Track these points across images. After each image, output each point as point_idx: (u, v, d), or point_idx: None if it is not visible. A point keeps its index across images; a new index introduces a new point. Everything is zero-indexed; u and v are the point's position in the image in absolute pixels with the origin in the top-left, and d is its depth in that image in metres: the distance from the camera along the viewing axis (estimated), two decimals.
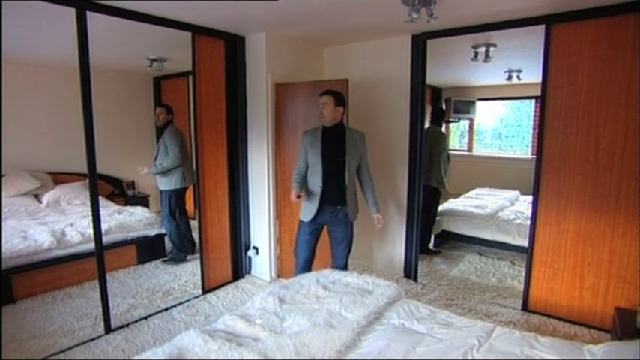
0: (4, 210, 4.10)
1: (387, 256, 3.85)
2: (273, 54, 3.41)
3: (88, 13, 2.51)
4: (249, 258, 3.78)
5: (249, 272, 3.81)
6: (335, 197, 2.80)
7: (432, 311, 2.22)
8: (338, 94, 2.75)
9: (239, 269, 3.72)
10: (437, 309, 2.26)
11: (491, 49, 3.50)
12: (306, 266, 2.95)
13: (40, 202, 4.40)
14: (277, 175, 3.58)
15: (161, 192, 4.03)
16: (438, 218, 4.47)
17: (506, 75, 4.68)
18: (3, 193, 4.27)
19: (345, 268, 2.94)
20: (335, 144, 2.77)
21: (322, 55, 3.98)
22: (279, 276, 3.72)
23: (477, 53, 3.62)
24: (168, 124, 4.00)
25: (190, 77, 5.14)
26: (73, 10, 2.47)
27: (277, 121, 3.52)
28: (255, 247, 3.73)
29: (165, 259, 4.05)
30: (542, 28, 2.79)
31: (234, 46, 3.44)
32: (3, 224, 3.72)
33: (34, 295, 3.29)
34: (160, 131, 4.05)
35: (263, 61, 3.38)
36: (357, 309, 2.13)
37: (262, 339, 1.88)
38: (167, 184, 3.91)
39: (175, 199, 3.99)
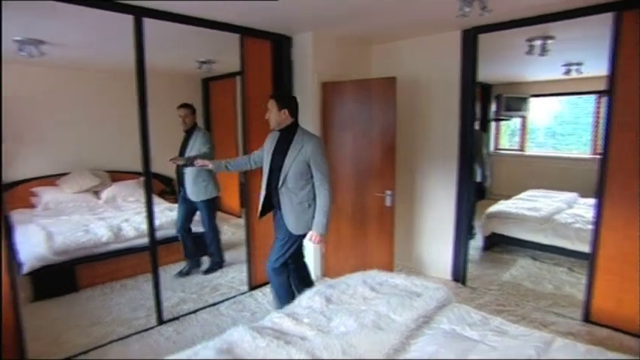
0: (69, 205, 4.40)
1: (432, 257, 3.74)
2: (319, 53, 3.42)
3: (144, 19, 2.63)
4: None
5: None
6: (273, 201, 2.71)
7: (485, 317, 2.12)
8: (280, 97, 2.61)
9: None
10: (489, 315, 2.15)
11: (549, 41, 3.30)
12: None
13: (99, 199, 4.67)
14: None
15: (198, 203, 3.73)
16: (487, 220, 4.30)
17: (564, 69, 4.41)
18: (67, 190, 4.58)
19: (270, 273, 2.75)
20: (280, 148, 2.63)
21: (369, 54, 3.94)
22: (324, 275, 3.71)
23: (532, 47, 3.43)
24: (194, 126, 3.77)
25: (237, 78, 5.30)
26: (131, 17, 2.59)
27: (323, 121, 3.52)
28: None
29: (206, 269, 3.89)
30: (609, 16, 2.58)
31: (280, 46, 3.47)
32: (68, 217, 3.99)
33: (95, 285, 3.50)
34: (186, 135, 3.72)
35: (309, 60, 3.39)
36: (405, 312, 2.07)
37: (310, 338, 1.87)
38: (204, 193, 3.67)
39: (214, 207, 3.87)
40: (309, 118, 3.48)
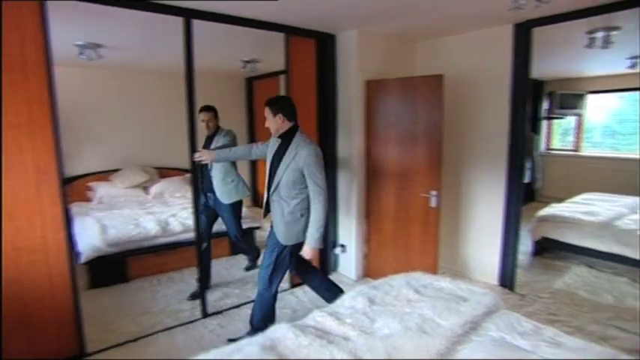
0: (121, 199, 4.62)
1: (478, 261, 3.59)
2: (363, 51, 3.38)
3: (193, 21, 2.70)
4: (336, 255, 3.79)
5: (336, 270, 3.82)
6: (267, 207, 2.62)
7: (537, 327, 2.00)
8: (272, 102, 2.49)
9: (326, 266, 3.75)
10: (542, 325, 2.03)
11: (613, 32, 3.06)
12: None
13: (148, 194, 4.87)
14: (367, 174, 3.54)
15: (227, 206, 3.44)
16: (538, 224, 4.08)
17: (630, 62, 4.09)
18: (119, 185, 4.81)
19: (261, 290, 2.61)
20: (278, 153, 2.54)
21: (414, 51, 3.85)
22: (365, 275, 3.68)
23: (592, 39, 3.20)
24: (218, 129, 3.47)
25: (281, 77, 5.36)
26: (180, 19, 2.68)
27: (367, 119, 3.48)
28: (342, 245, 3.73)
29: (246, 267, 3.85)
30: None
31: (324, 44, 3.46)
32: (120, 211, 4.20)
33: (144, 277, 3.66)
34: (209, 139, 3.44)
35: (354, 58, 3.36)
36: (451, 316, 2.00)
37: (352, 339, 1.85)
38: (235, 194, 3.42)
39: (240, 208, 3.60)
40: (352, 116, 3.46)
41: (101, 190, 4.65)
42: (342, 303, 2.22)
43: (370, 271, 3.67)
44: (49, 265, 2.35)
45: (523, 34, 3.05)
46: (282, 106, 2.49)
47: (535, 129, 5.81)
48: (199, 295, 3.08)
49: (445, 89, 3.09)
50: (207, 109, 3.38)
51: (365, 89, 3.44)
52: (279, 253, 2.55)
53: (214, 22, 2.79)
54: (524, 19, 2.99)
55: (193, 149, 2.91)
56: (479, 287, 2.33)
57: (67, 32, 2.29)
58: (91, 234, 3.51)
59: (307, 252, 2.52)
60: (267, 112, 2.49)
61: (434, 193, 3.14)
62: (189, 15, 2.67)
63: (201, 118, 3.31)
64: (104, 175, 4.58)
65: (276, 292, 2.65)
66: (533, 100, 5.43)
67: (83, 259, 3.38)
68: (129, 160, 4.93)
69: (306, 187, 2.46)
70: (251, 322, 2.65)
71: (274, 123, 2.49)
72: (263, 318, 2.59)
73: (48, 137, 2.27)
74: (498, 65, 3.23)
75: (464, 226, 3.67)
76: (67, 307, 2.45)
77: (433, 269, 3.19)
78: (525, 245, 4.15)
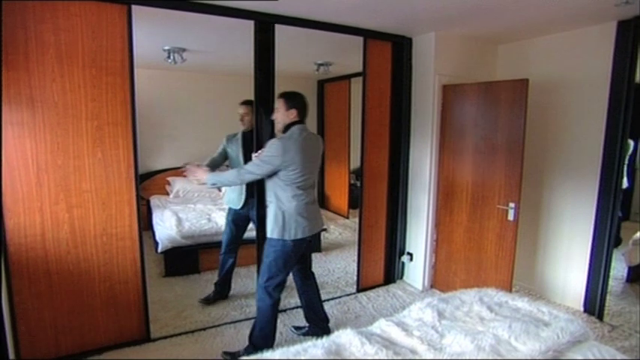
0: (195, 194, 4.89)
1: (560, 282, 3.29)
2: (441, 54, 3.26)
3: (276, 26, 2.79)
4: (403, 263, 3.70)
5: (401, 278, 3.72)
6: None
7: None
8: (291, 97, 2.43)
9: (391, 273, 3.67)
10: None
11: None
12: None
13: (220, 190, 5.10)
14: (440, 181, 3.41)
15: (240, 213, 3.27)
16: (634, 247, 3.64)
17: None
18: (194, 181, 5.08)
19: (261, 295, 2.46)
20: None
21: (495, 54, 3.63)
22: (432, 286, 3.54)
23: None
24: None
25: (352, 80, 5.36)
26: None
27: (442, 125, 3.35)
28: (409, 253, 3.62)
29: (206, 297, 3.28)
30: None
31: (400, 47, 3.40)
32: (194, 206, 4.44)
33: (213, 270, 3.80)
34: (246, 137, 3.21)
35: (431, 62, 3.25)
36: (530, 341, 1.84)
37: (420, 353, 1.77)
38: (237, 199, 3.24)
39: None
40: (427, 122, 3.35)
41: (177, 184, 4.95)
42: (409, 314, 2.14)
43: (437, 282, 3.52)
44: (134, 251, 2.55)
45: (630, 32, 2.73)
46: (299, 102, 2.45)
47: (637, 137, 5.19)
48: (212, 301, 3.19)
49: (529, 95, 2.88)
50: (247, 102, 3.17)
51: (441, 94, 3.31)
52: (268, 250, 2.44)
53: (295, 27, 2.86)
54: (632, 15, 2.68)
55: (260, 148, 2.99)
56: (563, 312, 2.12)
57: (157, 38, 2.46)
58: (168, 226, 3.75)
59: (192, 171, 2.56)
60: (281, 104, 2.42)
61: (512, 205, 2.93)
62: (273, 21, 2.76)
63: (238, 111, 3.22)
64: (181, 171, 4.87)
65: (276, 303, 2.47)
66: (635, 106, 4.86)
67: (161, 248, 3.62)
68: (205, 158, 5.20)
69: (271, 176, 2.38)
70: (250, 337, 2.52)
71: (285, 117, 2.42)
72: (261, 332, 2.47)
73: (129, 134, 2.47)
74: (594, 68, 2.94)
75: (544, 242, 3.38)
76: (136, 292, 2.63)
77: (507, 286, 2.98)
78: (618, 270, 3.73)
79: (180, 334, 2.75)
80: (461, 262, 3.35)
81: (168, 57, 3.74)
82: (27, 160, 2.20)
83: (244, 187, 3.13)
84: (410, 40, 3.40)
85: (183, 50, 3.72)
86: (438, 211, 3.46)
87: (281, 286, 2.48)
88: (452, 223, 3.38)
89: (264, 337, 2.48)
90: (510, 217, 2.95)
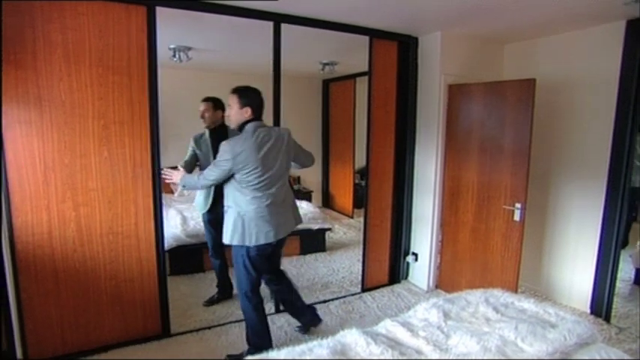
0: (199, 193, 4.89)
1: (566, 283, 3.26)
2: (447, 54, 3.24)
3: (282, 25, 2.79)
4: (407, 264, 3.69)
5: (406, 278, 3.71)
6: None
7: None
8: (244, 94, 2.28)
9: (396, 273, 3.67)
10: None
11: None
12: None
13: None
14: (445, 181, 3.40)
15: (209, 216, 3.20)
16: None
17: None
18: None
19: (241, 300, 2.43)
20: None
21: (501, 54, 3.61)
22: (437, 286, 3.53)
23: None
24: (221, 125, 3.05)
25: (357, 80, 5.35)
26: (269, 24, 2.77)
27: (448, 125, 3.34)
28: (414, 254, 3.61)
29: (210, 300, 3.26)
30: None
31: (406, 47, 3.38)
32: None
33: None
34: (212, 135, 3.08)
35: (437, 61, 3.24)
36: (536, 342, 1.82)
37: (426, 353, 1.76)
38: (204, 203, 3.18)
39: None
40: (433, 122, 3.34)
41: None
42: (414, 314, 2.14)
43: (442, 282, 3.51)
44: (139, 250, 2.56)
45: (638, 32, 2.70)
46: (254, 100, 2.29)
47: None
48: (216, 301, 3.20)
49: (536, 95, 2.86)
50: (206, 99, 3.08)
51: (447, 94, 3.30)
52: (233, 262, 2.38)
53: (301, 26, 2.86)
54: None
55: None
56: (570, 314, 2.10)
57: (163, 36, 2.47)
58: (173, 224, 3.76)
59: (169, 174, 2.43)
60: (234, 101, 2.27)
61: (518, 205, 2.92)
62: (279, 20, 2.76)
63: (199, 109, 3.07)
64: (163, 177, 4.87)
65: (258, 304, 2.42)
66: None
67: (165, 246, 3.62)
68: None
69: (230, 179, 2.27)
70: (247, 341, 2.51)
71: (239, 115, 2.27)
72: (254, 334, 2.45)
73: (145, 134, 2.48)
74: (603, 67, 2.91)
75: (550, 243, 3.36)
76: (153, 290, 2.65)
77: (513, 287, 2.97)
78: (626, 272, 3.70)
79: (185, 333, 2.77)
80: (466, 262, 3.34)
81: (174, 55, 3.75)
82: (34, 159, 2.22)
83: (212, 190, 3.01)
84: (416, 39, 3.39)
85: (189, 49, 3.73)
86: (444, 211, 3.45)
87: (256, 288, 2.41)
88: (457, 223, 3.36)
89: (259, 336, 2.44)
90: (516, 217, 2.93)
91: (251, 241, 2.27)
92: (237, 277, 2.40)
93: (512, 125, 2.94)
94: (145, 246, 2.58)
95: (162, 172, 2.51)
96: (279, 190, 2.36)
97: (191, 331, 2.79)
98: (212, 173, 2.24)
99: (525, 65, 3.43)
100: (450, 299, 2.26)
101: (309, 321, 2.78)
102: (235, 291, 3.31)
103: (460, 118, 3.27)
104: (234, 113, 2.29)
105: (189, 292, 3.38)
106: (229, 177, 2.26)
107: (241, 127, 2.29)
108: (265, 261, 2.44)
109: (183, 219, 3.87)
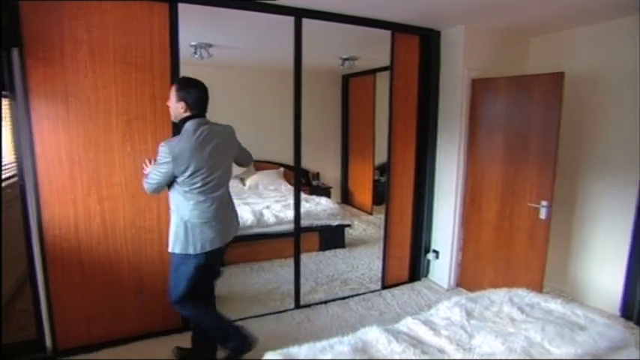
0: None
1: (594, 284, 3.16)
2: (470, 47, 3.17)
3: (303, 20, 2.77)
4: (428, 261, 3.64)
5: (426, 276, 3.67)
6: None
7: None
8: (182, 87, 2.05)
9: (416, 271, 3.63)
10: None
11: None
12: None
13: (244, 185, 5.16)
14: (468, 179, 3.33)
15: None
16: None
17: None
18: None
19: (182, 312, 2.27)
20: None
21: (526, 47, 3.51)
22: (458, 285, 3.47)
23: None
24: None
25: (377, 75, 5.29)
26: (290, 19, 2.75)
27: (471, 120, 3.26)
28: (435, 251, 3.56)
29: None
30: None
31: (428, 41, 3.32)
32: None
33: (237, 264, 3.87)
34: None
35: (460, 55, 3.17)
36: (565, 345, 1.76)
37: (449, 353, 1.73)
38: None
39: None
40: (455, 117, 3.27)
41: None
42: (436, 312, 2.11)
43: (464, 281, 3.45)
44: (161, 244, 2.59)
45: None
46: (191, 96, 2.04)
47: None
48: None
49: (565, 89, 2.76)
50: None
51: (470, 88, 3.22)
52: (172, 270, 2.19)
53: (322, 21, 2.83)
54: None
55: (298, 145, 2.97)
56: (600, 316, 2.03)
57: (184, 33, 2.49)
58: None
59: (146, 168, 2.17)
60: (172, 93, 2.06)
61: (545, 203, 2.83)
62: (300, 14, 2.75)
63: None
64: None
65: (206, 312, 2.27)
66: None
67: None
68: None
69: (173, 183, 2.08)
70: (219, 344, 2.35)
71: (175, 109, 2.07)
72: (216, 329, 2.27)
73: (167, 130, 2.50)
74: (635, 59, 2.79)
75: (577, 242, 3.26)
76: None
77: (537, 287, 2.89)
78: None
79: None
80: (489, 260, 3.27)
81: (195, 53, 3.78)
82: (61, 154, 2.27)
83: None
84: (438, 33, 3.32)
85: (210, 46, 3.75)
86: (466, 208, 3.38)
87: (196, 298, 2.20)
88: (480, 220, 3.29)
89: (221, 329, 2.26)
90: (542, 215, 2.85)
91: (195, 249, 2.08)
92: (174, 288, 2.17)
93: (539, 120, 2.85)
94: (166, 240, 2.59)
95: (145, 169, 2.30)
96: (225, 192, 2.20)
97: None
98: (154, 177, 2.04)
99: (552, 58, 3.32)
100: (473, 298, 2.22)
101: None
102: (256, 286, 3.35)
103: (484, 113, 3.19)
104: (172, 106, 2.08)
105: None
106: (172, 180, 2.06)
107: (182, 124, 2.08)
108: (212, 269, 2.28)
109: None
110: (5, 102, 2.29)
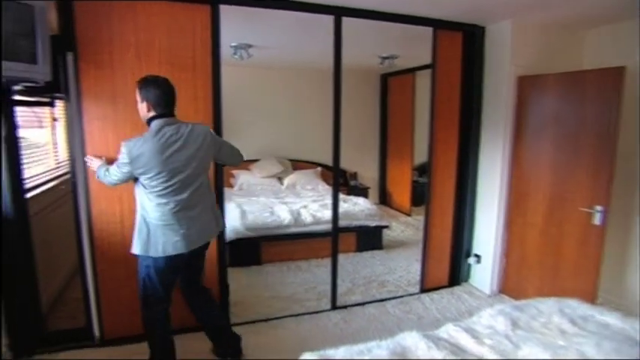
0: (258, 187, 5.02)
1: None
2: (517, 43, 3.03)
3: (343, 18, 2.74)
4: (469, 265, 3.51)
5: (467, 280, 3.54)
6: None
7: None
8: (143, 86, 1.99)
9: (457, 275, 3.51)
10: None
11: None
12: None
13: (282, 184, 5.21)
14: (512, 181, 3.19)
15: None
16: None
17: None
18: (257, 174, 5.22)
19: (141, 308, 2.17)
20: None
21: (580, 41, 3.30)
22: (501, 291, 3.32)
23: None
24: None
25: (417, 74, 5.19)
26: (330, 17, 2.73)
27: (517, 119, 3.11)
28: (476, 255, 3.43)
29: None
30: None
31: (472, 37, 3.20)
32: (257, 199, 4.55)
33: (274, 262, 3.91)
34: None
35: (506, 51, 3.03)
36: None
37: None
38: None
39: None
40: (500, 116, 3.13)
41: (242, 177, 5.13)
42: (478, 320, 2.01)
43: (507, 287, 3.30)
44: None
45: None
46: (152, 94, 1.97)
47: None
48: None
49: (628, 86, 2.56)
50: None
51: (517, 86, 3.07)
52: (140, 267, 2.11)
53: (362, 19, 2.79)
54: None
55: (337, 145, 2.95)
56: None
57: (224, 35, 2.53)
58: (233, 217, 3.87)
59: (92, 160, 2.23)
60: (137, 93, 2.02)
61: (599, 208, 2.65)
62: (340, 13, 2.72)
63: None
64: (245, 164, 5.00)
65: (159, 319, 2.17)
66: None
67: (225, 239, 3.75)
68: (267, 152, 5.34)
69: (136, 184, 2.05)
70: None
71: (140, 109, 2.03)
72: (152, 347, 2.21)
73: None
74: None
75: (635, 252, 3.02)
76: (214, 280, 2.74)
77: (590, 298, 2.70)
78: None
79: (241, 324, 2.78)
80: (534, 267, 3.11)
81: (235, 53, 3.85)
82: (109, 153, 2.36)
83: None
84: (483, 29, 3.19)
85: (250, 46, 3.81)
86: (510, 211, 3.23)
87: (159, 302, 2.14)
88: (525, 224, 3.13)
89: (158, 352, 2.21)
90: (596, 221, 2.66)
91: (156, 252, 2.01)
92: (139, 289, 2.14)
93: (594, 119, 2.67)
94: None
95: (86, 157, 2.34)
96: (192, 195, 2.07)
97: (247, 323, 2.84)
98: (115, 173, 2.04)
99: (611, 52, 3.10)
100: (519, 306, 2.11)
101: (227, 352, 2.44)
102: (293, 285, 3.37)
103: (531, 112, 3.03)
104: (138, 107, 2.04)
105: (248, 284, 3.46)
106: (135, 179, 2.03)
107: (148, 124, 2.03)
108: (176, 275, 2.19)
109: (242, 212, 3.98)
110: (60, 104, 2.42)
